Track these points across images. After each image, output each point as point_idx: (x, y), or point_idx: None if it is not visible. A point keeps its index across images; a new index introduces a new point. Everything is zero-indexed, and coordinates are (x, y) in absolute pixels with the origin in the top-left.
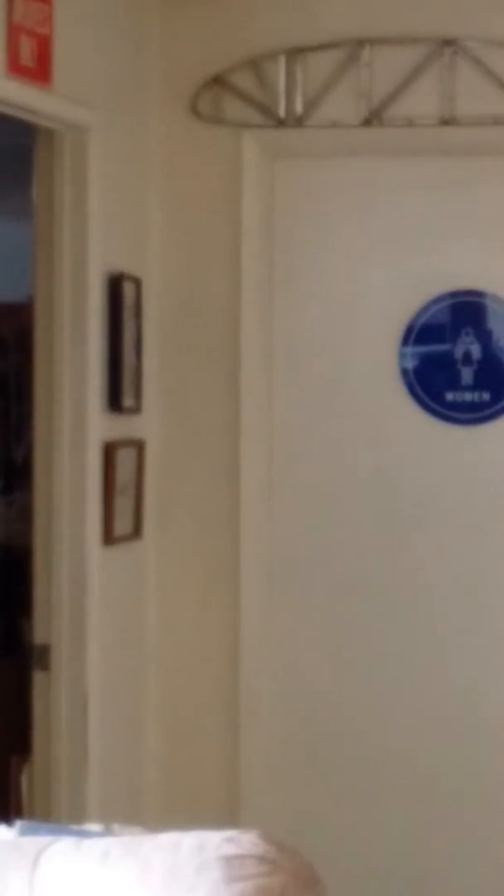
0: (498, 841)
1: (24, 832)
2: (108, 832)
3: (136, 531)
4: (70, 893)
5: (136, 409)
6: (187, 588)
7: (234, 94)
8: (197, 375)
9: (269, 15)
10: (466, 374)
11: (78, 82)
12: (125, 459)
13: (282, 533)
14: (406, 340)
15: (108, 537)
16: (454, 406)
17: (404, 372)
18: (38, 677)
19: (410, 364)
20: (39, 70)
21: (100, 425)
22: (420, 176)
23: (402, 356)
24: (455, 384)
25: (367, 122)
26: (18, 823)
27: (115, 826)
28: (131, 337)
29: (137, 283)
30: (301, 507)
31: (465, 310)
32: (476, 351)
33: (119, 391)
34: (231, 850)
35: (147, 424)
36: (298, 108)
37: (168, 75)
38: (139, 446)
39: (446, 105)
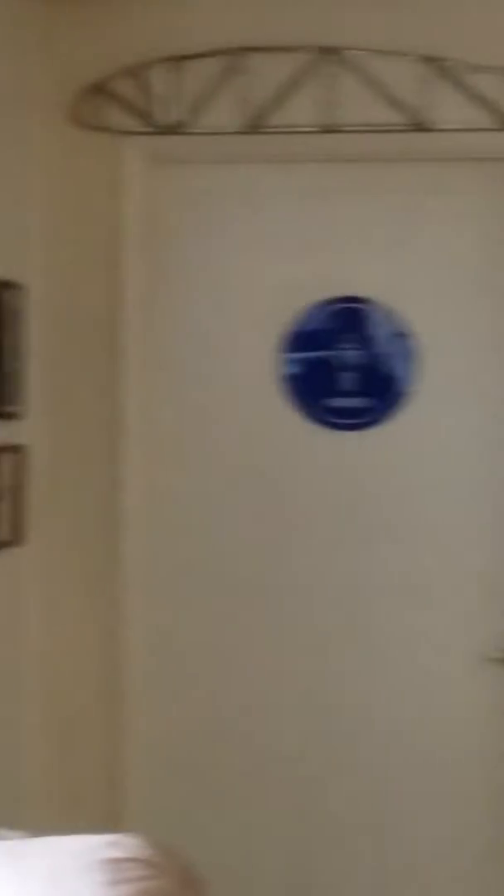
0: (377, 838)
1: None
2: None
3: (17, 537)
4: None
5: (18, 415)
6: (69, 593)
7: (115, 102)
8: (79, 381)
9: (150, 23)
10: (346, 381)
11: None
12: (5, 465)
13: (164, 538)
14: (287, 347)
15: None
16: (334, 412)
17: (285, 378)
18: None
19: (291, 370)
20: None
21: None
22: (301, 183)
23: (283, 362)
24: (335, 390)
25: (248, 130)
26: None
27: None
28: (12, 343)
29: (18, 289)
30: (183, 512)
31: (345, 316)
32: (356, 357)
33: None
34: (114, 853)
35: (29, 430)
36: (179, 115)
37: (48, 82)
38: (20, 452)
39: (327, 112)
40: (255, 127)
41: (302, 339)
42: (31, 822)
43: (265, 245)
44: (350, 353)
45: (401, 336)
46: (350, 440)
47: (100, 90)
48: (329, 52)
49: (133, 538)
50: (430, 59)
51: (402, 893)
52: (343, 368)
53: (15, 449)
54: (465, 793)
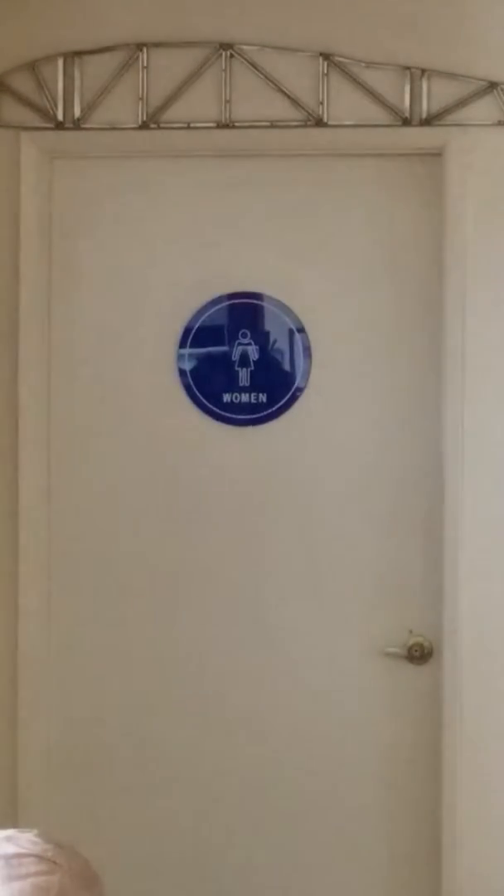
0: (277, 835)
1: None
2: None
3: None
4: None
5: None
6: None
7: (12, 97)
8: None
9: (47, 18)
10: (243, 376)
11: None
12: None
13: (62, 536)
14: (184, 342)
15: None
16: (231, 407)
17: (182, 373)
18: None
19: (188, 365)
20: None
21: None
22: (198, 178)
23: (179, 357)
24: (232, 385)
25: (145, 125)
26: None
27: None
28: None
29: None
30: (81, 509)
31: (242, 312)
32: (253, 352)
33: None
34: (9, 848)
35: None
36: (77, 110)
37: None
38: None
39: (223, 108)
40: (151, 122)
41: (199, 335)
42: None
43: (162, 240)
44: (245, 349)
45: (295, 332)
46: (246, 435)
47: None
48: (225, 48)
49: (30, 537)
50: (325, 55)
51: (302, 886)
52: (239, 364)
53: None
54: (359, 786)
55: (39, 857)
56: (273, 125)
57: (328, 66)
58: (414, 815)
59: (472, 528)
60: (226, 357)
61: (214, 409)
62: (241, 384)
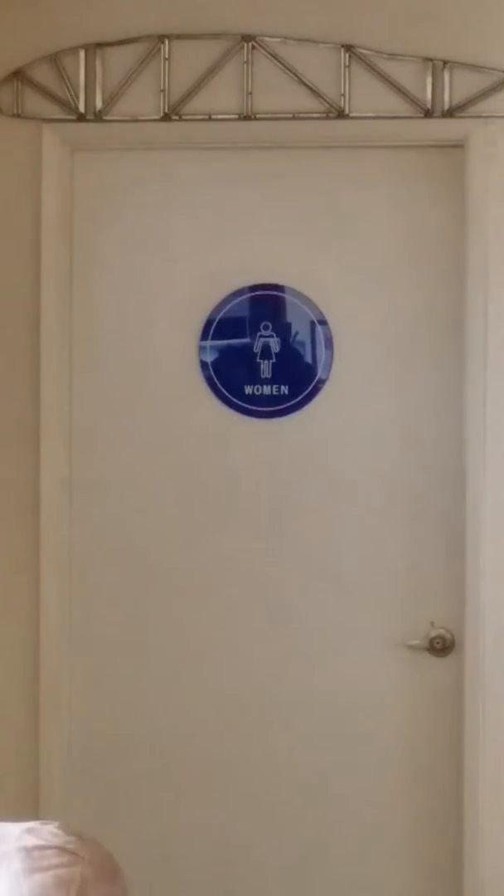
0: (297, 827)
1: None
2: None
3: None
4: None
5: None
6: None
7: (34, 88)
8: None
9: (68, 9)
10: (265, 368)
11: None
12: None
13: (83, 527)
14: (205, 334)
15: None
16: (253, 399)
17: (203, 365)
18: None
19: (210, 357)
20: None
21: None
22: (219, 170)
23: (201, 350)
24: (254, 378)
25: (166, 117)
26: None
27: None
28: None
29: None
30: (102, 500)
31: (263, 304)
32: (275, 345)
33: None
34: (31, 840)
35: None
36: (98, 102)
37: None
38: None
39: (245, 100)
40: (173, 114)
41: (221, 327)
42: None
43: (184, 232)
44: (267, 341)
45: (317, 324)
46: (267, 427)
47: (19, 77)
48: (247, 40)
49: (51, 528)
50: (347, 47)
51: (324, 878)
52: (260, 356)
53: None
54: (380, 779)
55: (61, 849)
56: (295, 117)
57: (350, 57)
58: (436, 808)
59: (494, 520)
60: (247, 349)
61: (236, 401)
62: (262, 376)
